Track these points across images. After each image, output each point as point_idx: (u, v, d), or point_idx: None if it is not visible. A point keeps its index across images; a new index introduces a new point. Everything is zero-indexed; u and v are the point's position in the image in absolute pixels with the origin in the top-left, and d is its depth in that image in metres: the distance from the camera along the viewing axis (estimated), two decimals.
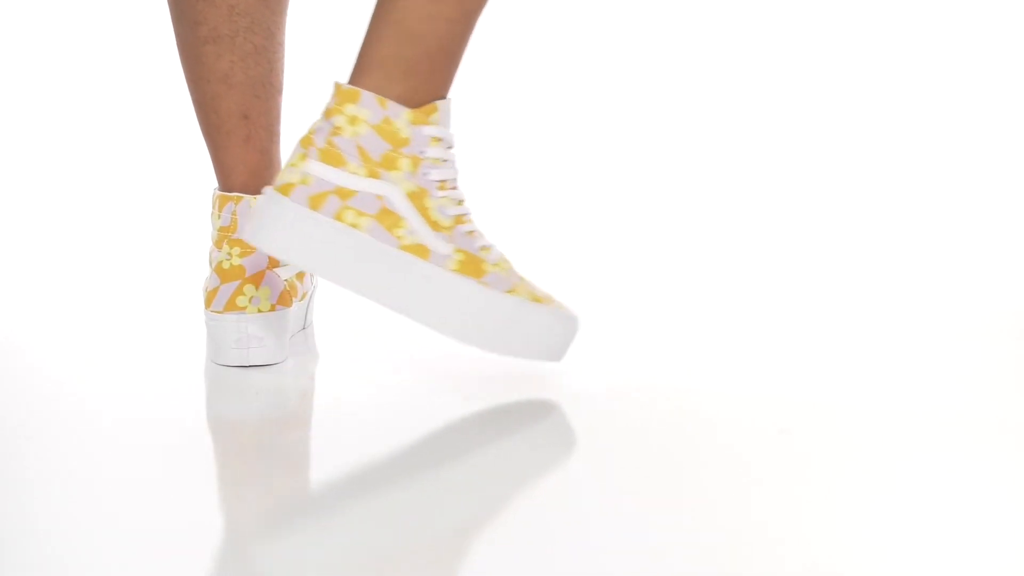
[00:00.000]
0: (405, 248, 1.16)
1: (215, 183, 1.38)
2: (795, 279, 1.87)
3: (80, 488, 0.98)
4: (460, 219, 1.19)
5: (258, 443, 1.11)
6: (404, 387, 1.25)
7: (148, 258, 2.00)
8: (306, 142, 1.17)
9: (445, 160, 1.19)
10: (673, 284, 1.84)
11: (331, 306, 1.56)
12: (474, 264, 1.18)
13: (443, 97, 1.19)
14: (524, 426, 1.16)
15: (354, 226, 1.15)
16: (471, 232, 1.19)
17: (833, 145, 2.37)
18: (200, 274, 1.41)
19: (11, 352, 1.42)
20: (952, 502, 0.97)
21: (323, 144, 1.16)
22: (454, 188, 1.19)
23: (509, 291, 1.18)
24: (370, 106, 1.16)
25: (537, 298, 1.20)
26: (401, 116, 1.16)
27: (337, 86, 1.17)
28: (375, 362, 1.35)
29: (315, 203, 1.15)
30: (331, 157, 1.16)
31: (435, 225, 1.17)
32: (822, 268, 1.92)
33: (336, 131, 1.16)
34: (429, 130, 1.17)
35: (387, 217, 1.16)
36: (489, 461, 1.07)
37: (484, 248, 1.19)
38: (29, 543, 0.87)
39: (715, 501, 0.96)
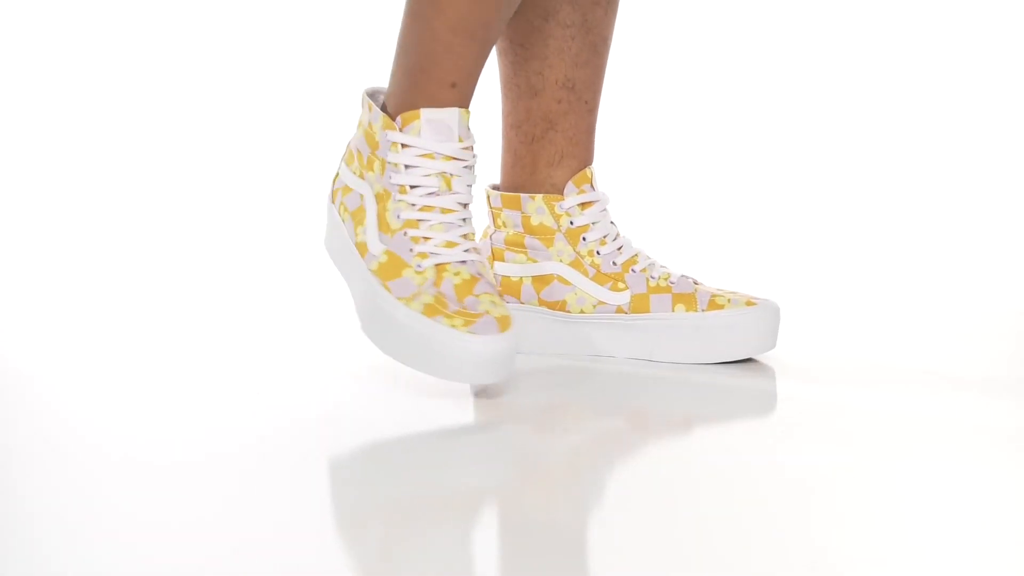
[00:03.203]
0: (356, 245, 1.23)
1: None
2: (793, 279, 1.87)
3: (78, 490, 0.98)
4: (410, 223, 1.20)
5: (259, 443, 1.11)
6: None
7: (148, 259, 2.00)
8: (347, 146, 1.28)
9: (410, 166, 1.21)
10: None
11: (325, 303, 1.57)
12: (394, 267, 1.19)
13: (438, 106, 1.20)
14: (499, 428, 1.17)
15: (343, 220, 1.26)
16: (416, 238, 1.20)
17: (833, 145, 2.37)
18: (200, 274, 1.40)
19: (9, 353, 1.42)
20: (952, 503, 0.97)
21: (348, 147, 1.28)
22: (428, 194, 1.20)
23: (406, 298, 1.17)
24: (366, 111, 1.25)
25: (439, 313, 1.15)
26: (378, 120, 1.23)
27: (363, 94, 1.26)
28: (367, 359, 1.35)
29: (334, 196, 1.28)
30: (348, 157, 1.27)
31: (384, 227, 1.21)
32: (821, 268, 1.92)
33: (356, 135, 1.27)
34: (393, 135, 1.21)
35: (359, 214, 1.24)
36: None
37: (421, 255, 1.19)
38: (27, 544, 0.87)
39: (715, 501, 0.96)
